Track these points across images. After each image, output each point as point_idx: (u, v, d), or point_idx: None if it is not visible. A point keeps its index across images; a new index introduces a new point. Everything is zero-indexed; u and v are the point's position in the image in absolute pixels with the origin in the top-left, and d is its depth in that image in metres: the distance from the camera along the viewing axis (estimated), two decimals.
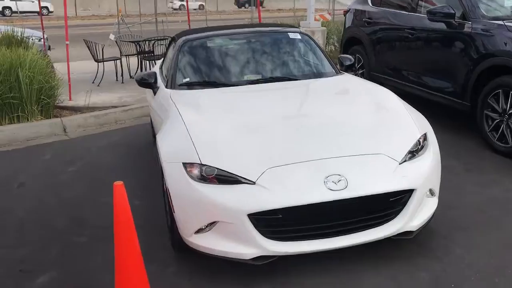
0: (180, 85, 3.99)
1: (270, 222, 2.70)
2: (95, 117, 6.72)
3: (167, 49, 5.10)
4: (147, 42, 9.25)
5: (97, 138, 6.11)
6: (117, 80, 9.24)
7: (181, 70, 4.13)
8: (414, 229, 2.89)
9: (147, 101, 6.95)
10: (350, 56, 4.57)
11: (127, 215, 2.46)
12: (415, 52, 5.86)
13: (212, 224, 2.77)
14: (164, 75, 4.49)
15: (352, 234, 2.78)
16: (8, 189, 4.51)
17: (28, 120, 6.36)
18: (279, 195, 2.66)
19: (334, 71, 4.25)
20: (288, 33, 4.47)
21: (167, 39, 9.23)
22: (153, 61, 9.48)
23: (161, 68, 5.07)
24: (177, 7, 40.70)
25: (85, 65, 9.93)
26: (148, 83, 4.17)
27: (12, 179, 4.77)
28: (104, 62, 8.98)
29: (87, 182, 4.58)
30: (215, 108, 3.40)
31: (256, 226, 2.68)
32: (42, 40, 10.73)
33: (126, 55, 9.47)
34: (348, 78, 4.11)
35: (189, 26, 12.09)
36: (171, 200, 2.90)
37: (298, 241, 2.73)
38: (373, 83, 4.05)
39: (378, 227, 2.83)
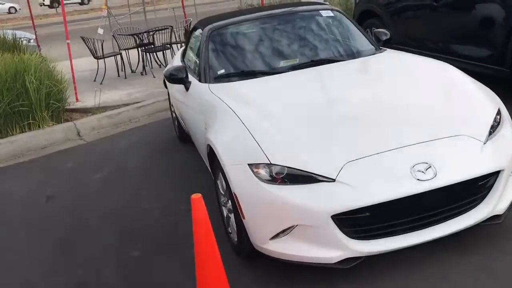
0: (216, 78, 3.71)
1: (356, 221, 2.47)
2: (108, 117, 6.42)
3: (188, 39, 4.79)
4: (145, 33, 8.88)
5: (115, 139, 5.82)
6: (118, 76, 8.90)
7: (214, 62, 3.84)
8: (502, 212, 2.68)
9: (160, 96, 6.70)
10: (385, 30, 4.29)
11: (208, 229, 2.23)
12: (442, 19, 5.58)
13: (289, 228, 2.54)
14: (192, 68, 4.20)
15: (441, 224, 2.56)
16: (37, 205, 4.24)
17: (39, 127, 6.05)
18: (365, 192, 2.42)
19: (374, 47, 3.99)
20: (320, 11, 4.18)
21: (168, 28, 8.89)
22: (155, 54, 9.15)
23: (183, 61, 4.77)
24: None
25: (81, 63, 9.53)
26: (179, 78, 3.88)
27: (39, 193, 4.49)
28: (105, 59, 8.61)
29: (121, 189, 4.31)
30: (268, 100, 3.12)
31: (340, 226, 2.45)
32: (34, 41, 10.34)
33: (125, 49, 9.12)
34: (396, 55, 3.84)
35: (184, 12, 11.72)
36: (240, 206, 2.65)
37: (387, 238, 2.51)
38: (425, 57, 3.78)
39: (466, 214, 2.61)
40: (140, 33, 8.77)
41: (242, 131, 2.79)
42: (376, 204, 2.40)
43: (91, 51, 8.60)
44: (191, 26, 9.41)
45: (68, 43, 7.07)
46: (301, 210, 2.46)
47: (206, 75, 3.76)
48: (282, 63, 3.75)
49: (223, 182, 2.98)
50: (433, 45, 5.76)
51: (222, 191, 3.07)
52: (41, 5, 40.41)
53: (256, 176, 2.59)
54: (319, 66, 3.61)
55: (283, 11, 4.20)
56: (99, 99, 7.03)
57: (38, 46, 10.06)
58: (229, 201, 2.93)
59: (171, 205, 3.85)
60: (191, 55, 4.50)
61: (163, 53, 9.09)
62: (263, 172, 2.59)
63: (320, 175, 2.49)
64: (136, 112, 6.61)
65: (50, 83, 6.12)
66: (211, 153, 3.09)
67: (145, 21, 14.63)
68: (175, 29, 9.25)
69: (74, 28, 16.78)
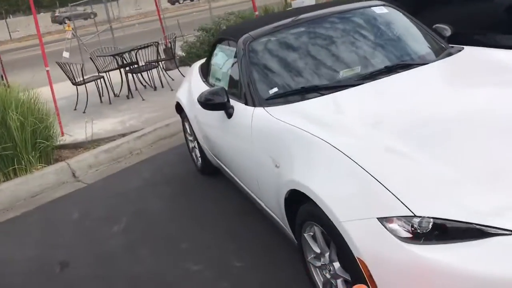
0: (268, 99, 2.98)
1: None
2: (105, 152, 5.57)
3: (210, 55, 4.03)
4: (127, 53, 8.03)
5: (121, 178, 4.98)
6: (101, 101, 8.03)
7: (261, 79, 3.11)
8: None
9: (159, 122, 5.86)
10: (446, 26, 3.68)
11: None
12: (475, 6, 5.02)
13: None
14: (227, 90, 3.44)
15: None
16: (50, 277, 3.39)
17: (27, 171, 5.15)
18: None
19: (444, 45, 3.35)
20: (372, 8, 3.52)
21: (152, 45, 8.07)
22: (140, 74, 8.32)
23: (205, 81, 4.00)
24: None
25: (56, 90, 8.56)
26: (218, 104, 3.13)
27: (48, 258, 3.63)
28: (86, 84, 7.72)
29: (151, 244, 3.51)
30: (365, 123, 2.40)
31: None
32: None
33: (106, 71, 8.25)
34: (481, 51, 3.21)
35: (162, 27, 10.91)
36: (369, 275, 1.94)
37: None
38: None
39: None
40: (122, 53, 7.91)
41: (356, 171, 2.06)
42: None
43: (68, 77, 7.69)
44: (174, 41, 8.65)
45: (47, 71, 6.17)
46: (470, 280, 1.75)
47: (255, 97, 3.02)
48: (342, 73, 3.06)
49: (322, 242, 2.27)
50: (468, 36, 5.18)
51: (319, 253, 2.34)
52: None
53: (391, 234, 1.88)
54: (399, 73, 2.92)
55: (327, 12, 3.50)
56: (89, 130, 6.16)
57: (4, 75, 9.05)
58: (332, 265, 2.22)
59: (221, 262, 3.09)
60: (219, 73, 3.74)
61: (148, 73, 8.25)
62: (398, 227, 1.88)
63: (492, 227, 1.79)
64: (137, 143, 5.77)
65: (35, 118, 5.22)
66: (291, 199, 2.41)
67: (113, 40, 13.77)
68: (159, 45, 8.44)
69: (33, 54, 15.66)
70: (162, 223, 3.78)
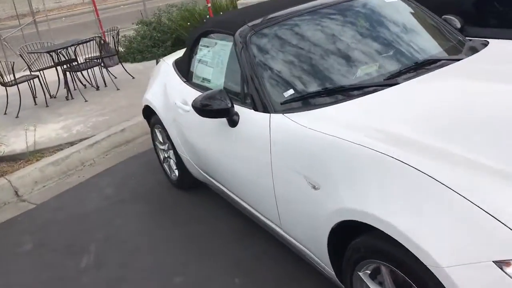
0: (284, 102, 2.48)
1: None
2: (53, 164, 4.78)
3: (191, 50, 3.42)
4: (64, 49, 7.15)
5: (76, 196, 4.26)
6: (36, 104, 7.12)
7: (271, 80, 2.60)
8: None
9: (113, 127, 5.20)
10: (454, 17, 3.35)
11: None
12: None
13: None
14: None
15: None
16: None
17: None
18: None
19: (461, 39, 3.01)
20: None
21: (94, 39, 7.25)
22: (80, 73, 7.47)
23: (187, 81, 3.41)
24: None
25: None
26: (220, 110, 2.58)
27: None
28: (18, 85, 6.76)
29: (136, 281, 2.88)
30: (430, 136, 1.96)
31: None
32: None
33: (39, 70, 7.32)
34: (506, 45, 2.87)
35: (99, 19, 10.02)
36: None
37: None
38: None
39: None
40: (58, 49, 7.02)
41: (453, 200, 1.61)
42: None
43: None
44: (118, 35, 7.82)
45: None
46: None
47: (267, 101, 2.51)
48: (369, 70, 2.61)
49: (390, 284, 1.82)
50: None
51: None
52: None
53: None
54: (435, 71, 2.52)
55: (331, 2, 3.04)
56: (30, 139, 5.32)
57: None
58: None
59: None
60: (207, 72, 3.17)
61: (88, 70, 7.40)
62: None
63: None
64: (89, 152, 5.03)
65: None
66: (338, 233, 1.97)
67: (38, 35, 12.55)
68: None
69: None
70: (142, 251, 3.17)
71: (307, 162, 2.14)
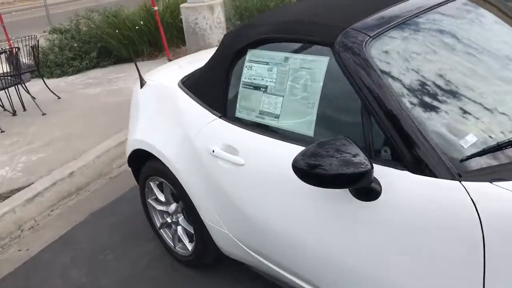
0: (464, 159, 1.42)
1: None
2: None
3: (229, 70, 2.18)
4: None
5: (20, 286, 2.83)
6: None
7: (425, 115, 1.54)
8: None
9: (57, 167, 3.80)
10: None
11: None
12: None
13: None
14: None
15: None
16: None
17: None
18: None
19: None
20: None
21: (5, 52, 5.61)
22: (22, 86, 5.76)
23: (223, 115, 2.19)
24: None
25: None
26: (355, 176, 1.42)
27: None
28: None
29: None
30: None
31: None
32: None
33: None
34: None
35: (4, 27, 8.22)
36: None
37: None
38: None
39: None
40: None
41: None
42: None
43: None
44: (37, 45, 6.12)
45: None
46: None
47: (445, 158, 1.44)
48: None
49: None
50: None
51: None
52: None
53: None
54: None
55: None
56: None
57: None
58: None
59: None
60: (282, 105, 1.97)
61: (15, 88, 5.71)
62: None
63: None
64: (28, 210, 3.57)
65: None
66: None
67: None
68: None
69: None
70: None
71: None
